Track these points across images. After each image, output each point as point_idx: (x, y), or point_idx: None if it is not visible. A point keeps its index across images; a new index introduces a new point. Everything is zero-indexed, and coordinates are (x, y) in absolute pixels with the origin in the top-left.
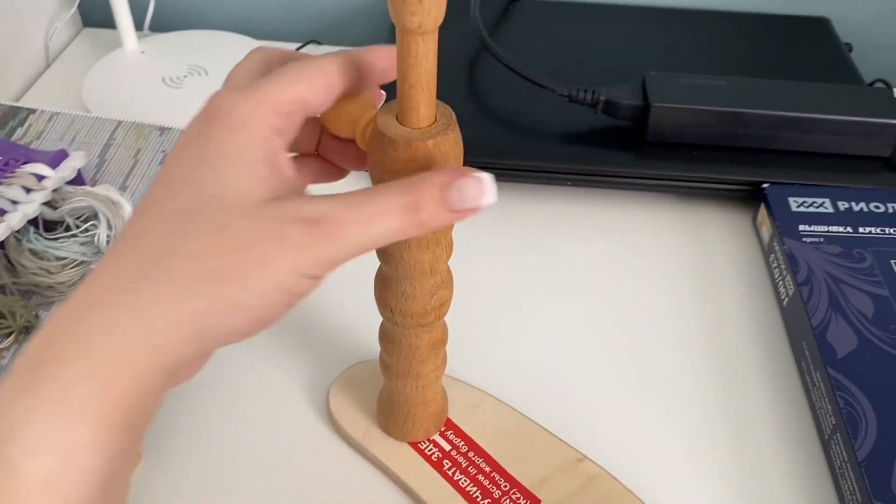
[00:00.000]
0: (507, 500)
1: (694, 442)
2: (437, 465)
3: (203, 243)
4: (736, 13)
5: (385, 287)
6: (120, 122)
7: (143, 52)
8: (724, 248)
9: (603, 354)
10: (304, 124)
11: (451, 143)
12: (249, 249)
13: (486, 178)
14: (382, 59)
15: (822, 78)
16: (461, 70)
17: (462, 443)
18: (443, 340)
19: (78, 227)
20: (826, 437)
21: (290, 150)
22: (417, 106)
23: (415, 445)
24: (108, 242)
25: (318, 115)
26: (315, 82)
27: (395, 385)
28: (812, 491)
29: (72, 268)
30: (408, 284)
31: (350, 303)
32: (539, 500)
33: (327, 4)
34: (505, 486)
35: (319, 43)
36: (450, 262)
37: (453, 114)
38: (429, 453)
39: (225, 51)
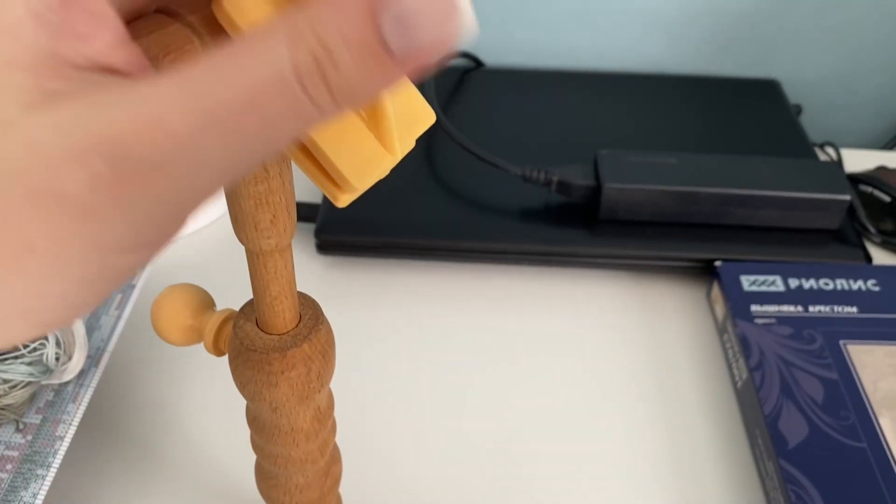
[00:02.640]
0: None
1: None
2: None
3: None
4: (687, 77)
5: (273, 485)
6: None
7: None
8: (678, 326)
9: (556, 436)
10: None
11: (326, 333)
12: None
13: None
14: None
15: (772, 142)
16: (416, 148)
17: None
18: None
19: (25, 346)
20: None
21: None
22: (283, 313)
23: None
24: (57, 360)
25: None
26: None
27: None
28: None
29: (19, 389)
30: (300, 477)
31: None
32: None
33: None
34: None
35: None
36: (405, 342)
37: (316, 303)
38: None
39: None
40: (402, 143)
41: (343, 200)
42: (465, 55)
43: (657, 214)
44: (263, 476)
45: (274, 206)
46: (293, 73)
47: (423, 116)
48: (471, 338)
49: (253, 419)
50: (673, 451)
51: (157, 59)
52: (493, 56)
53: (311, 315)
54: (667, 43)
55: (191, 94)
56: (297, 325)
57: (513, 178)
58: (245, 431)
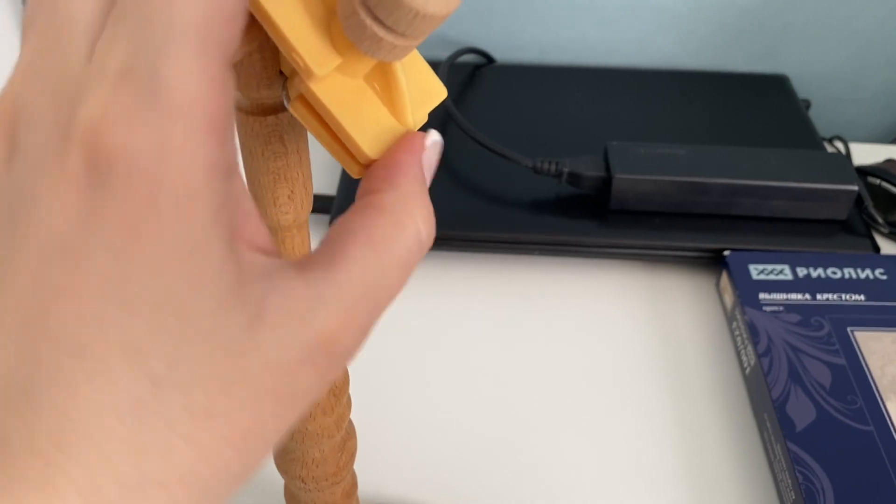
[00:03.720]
0: None
1: None
2: None
3: (179, 454)
4: (696, 72)
5: (290, 459)
6: None
7: None
8: (687, 315)
9: (567, 422)
10: None
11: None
12: (257, 436)
13: (434, 135)
14: None
15: (781, 136)
16: None
17: None
18: (354, 484)
19: None
20: None
21: None
22: None
23: None
24: None
25: None
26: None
27: None
28: None
29: None
30: (316, 451)
31: None
32: None
33: None
34: None
35: None
36: (418, 331)
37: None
38: None
39: None
40: (415, 117)
41: (358, 172)
42: (477, 51)
43: (667, 205)
44: (281, 451)
45: (292, 182)
46: (419, 239)
47: (434, 92)
48: (482, 325)
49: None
50: (682, 436)
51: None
52: (503, 52)
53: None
54: (676, 38)
55: (369, 298)
56: None
57: (524, 170)
58: None
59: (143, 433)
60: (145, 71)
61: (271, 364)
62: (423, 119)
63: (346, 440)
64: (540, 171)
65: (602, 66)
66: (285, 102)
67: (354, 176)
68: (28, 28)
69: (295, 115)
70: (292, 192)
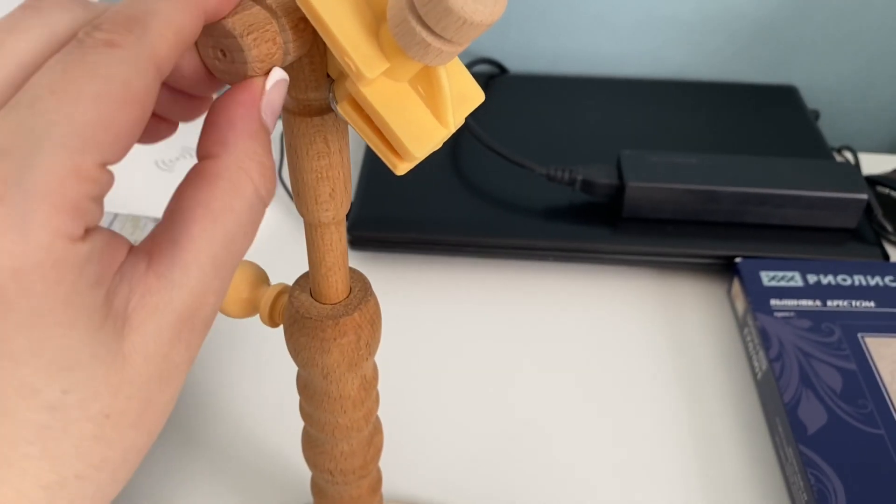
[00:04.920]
0: None
1: None
2: None
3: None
4: (707, 83)
5: (319, 452)
6: (116, 215)
7: None
8: (699, 321)
9: (579, 429)
10: None
11: (374, 305)
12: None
13: (279, 74)
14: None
15: (790, 146)
16: (444, 149)
17: None
18: (379, 480)
19: None
20: None
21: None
22: (336, 284)
23: None
24: None
25: None
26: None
27: None
28: None
29: None
30: (345, 444)
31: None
32: None
33: None
34: None
35: None
36: (435, 336)
37: (365, 277)
38: None
39: None
40: (455, 118)
41: (401, 168)
42: (490, 62)
43: (679, 212)
44: (310, 443)
45: (333, 181)
46: (258, 196)
47: (473, 95)
48: (496, 330)
49: (304, 387)
50: (695, 440)
51: (242, 35)
52: (516, 62)
53: (360, 287)
54: (687, 50)
55: (213, 262)
56: (347, 297)
57: (538, 178)
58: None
59: (54, 448)
60: (14, 168)
61: (149, 355)
62: (461, 122)
63: (374, 435)
64: (553, 178)
65: (614, 77)
66: (332, 104)
67: (397, 173)
68: None
69: (342, 115)
70: (333, 190)
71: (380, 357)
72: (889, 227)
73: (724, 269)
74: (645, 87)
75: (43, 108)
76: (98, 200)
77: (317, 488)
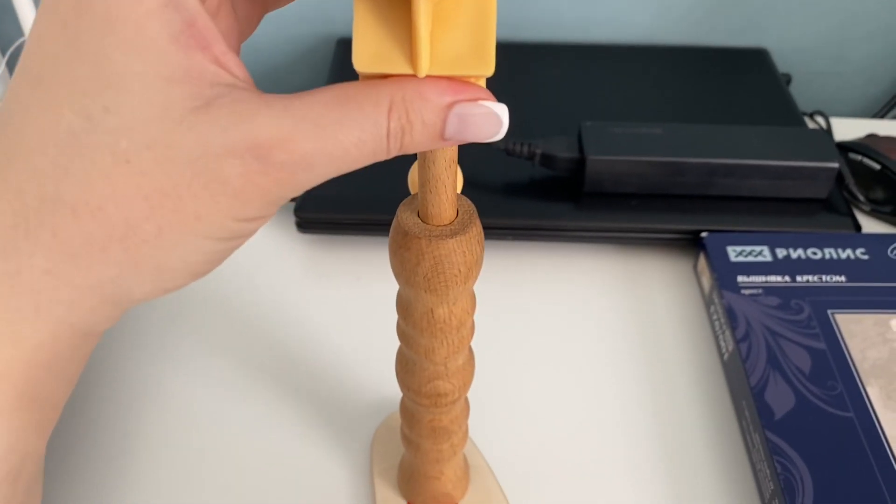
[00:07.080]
0: None
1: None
2: None
3: (98, 187)
4: (674, 47)
5: (411, 373)
6: None
7: None
8: (665, 298)
9: (539, 410)
10: None
11: (479, 229)
12: (169, 198)
13: (501, 110)
14: None
15: (761, 112)
16: None
17: None
18: (467, 410)
19: None
20: (766, 501)
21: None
22: (444, 203)
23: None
24: None
25: None
26: None
27: (409, 453)
28: None
29: None
30: (440, 367)
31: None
32: None
33: (268, 52)
34: None
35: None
36: (388, 321)
37: (471, 202)
38: None
39: None
40: (426, 66)
41: (354, 61)
42: None
43: (643, 186)
44: (405, 365)
45: None
46: (387, 134)
47: (469, 62)
48: None
49: (403, 307)
50: (660, 424)
51: None
52: None
53: (466, 210)
54: (654, 12)
55: (318, 128)
56: (453, 221)
57: (495, 152)
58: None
59: (71, 160)
60: None
61: (201, 141)
62: (438, 77)
63: (468, 363)
64: (512, 152)
65: (576, 43)
66: None
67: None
68: None
69: None
70: None
71: (328, 344)
72: (861, 197)
73: (691, 244)
74: (610, 52)
75: None
76: None
77: (407, 413)
